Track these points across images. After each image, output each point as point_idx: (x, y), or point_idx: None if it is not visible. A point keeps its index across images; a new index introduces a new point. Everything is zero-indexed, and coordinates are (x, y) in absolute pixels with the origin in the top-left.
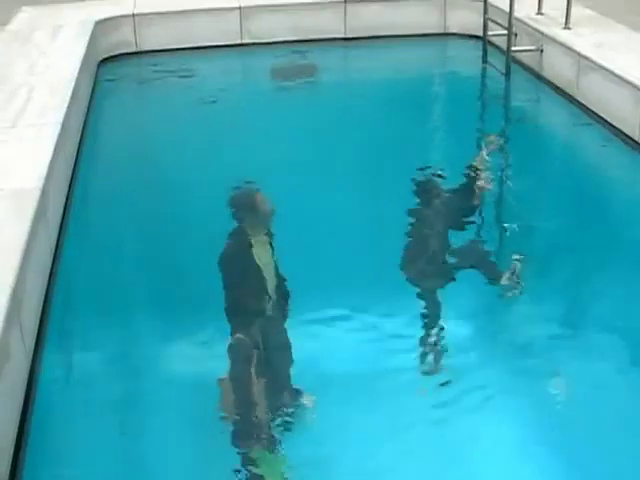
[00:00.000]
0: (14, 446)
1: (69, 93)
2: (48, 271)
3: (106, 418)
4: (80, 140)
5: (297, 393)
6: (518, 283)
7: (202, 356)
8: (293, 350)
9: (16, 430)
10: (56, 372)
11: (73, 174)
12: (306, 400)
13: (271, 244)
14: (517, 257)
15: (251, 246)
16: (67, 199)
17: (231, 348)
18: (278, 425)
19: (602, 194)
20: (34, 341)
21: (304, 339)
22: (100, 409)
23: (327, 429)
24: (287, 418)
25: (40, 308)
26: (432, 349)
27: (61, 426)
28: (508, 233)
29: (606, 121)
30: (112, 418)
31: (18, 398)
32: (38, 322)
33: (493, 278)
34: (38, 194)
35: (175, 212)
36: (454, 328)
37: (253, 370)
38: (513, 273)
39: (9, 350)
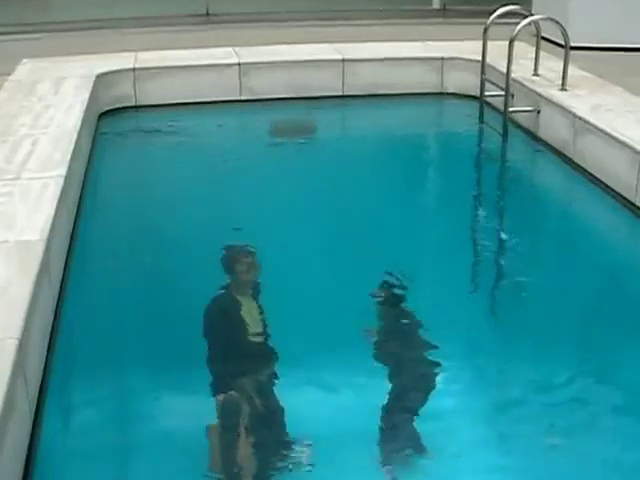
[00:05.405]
0: None
1: (71, 146)
2: (51, 323)
3: (105, 468)
4: (81, 193)
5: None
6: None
7: (192, 410)
8: (282, 405)
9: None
10: (58, 421)
11: (74, 227)
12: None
13: (259, 303)
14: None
15: (239, 302)
16: (68, 252)
17: (220, 401)
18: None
19: (596, 257)
20: (37, 391)
21: (293, 395)
22: (100, 458)
23: None
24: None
25: (43, 359)
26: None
27: (63, 474)
28: (500, 293)
29: (602, 182)
30: (111, 467)
31: (23, 446)
32: (41, 373)
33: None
34: (42, 246)
35: (172, 266)
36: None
37: (242, 424)
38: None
39: (15, 400)
